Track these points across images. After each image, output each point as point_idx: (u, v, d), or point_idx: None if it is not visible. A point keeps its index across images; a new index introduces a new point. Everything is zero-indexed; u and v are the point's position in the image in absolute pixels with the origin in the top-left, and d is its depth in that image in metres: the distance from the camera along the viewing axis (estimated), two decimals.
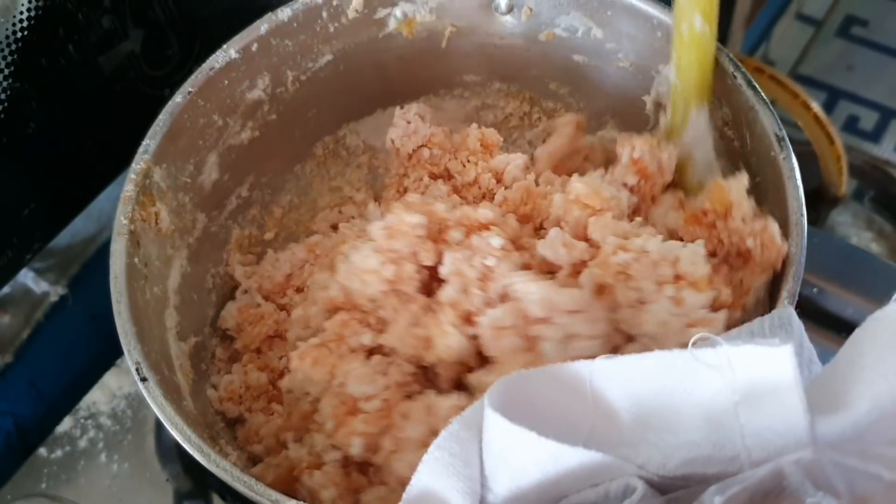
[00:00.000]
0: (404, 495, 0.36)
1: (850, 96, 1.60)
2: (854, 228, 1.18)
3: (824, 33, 1.68)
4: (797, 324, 0.38)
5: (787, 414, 0.35)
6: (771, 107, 0.50)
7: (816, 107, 1.06)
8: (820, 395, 0.35)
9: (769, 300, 0.47)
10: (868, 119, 1.57)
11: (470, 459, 0.37)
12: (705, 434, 0.35)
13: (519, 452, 0.35)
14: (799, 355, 0.37)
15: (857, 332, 0.36)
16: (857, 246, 1.00)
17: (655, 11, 0.54)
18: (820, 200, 1.13)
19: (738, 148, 0.53)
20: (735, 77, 0.51)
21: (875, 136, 1.56)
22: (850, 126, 1.57)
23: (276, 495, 0.42)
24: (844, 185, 1.10)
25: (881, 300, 0.64)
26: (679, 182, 0.53)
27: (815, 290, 0.66)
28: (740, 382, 0.35)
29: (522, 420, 0.35)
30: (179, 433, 0.45)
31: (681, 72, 0.50)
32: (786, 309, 0.38)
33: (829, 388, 0.36)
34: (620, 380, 0.36)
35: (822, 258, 0.67)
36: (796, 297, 0.45)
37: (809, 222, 0.95)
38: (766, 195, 0.50)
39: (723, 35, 1.32)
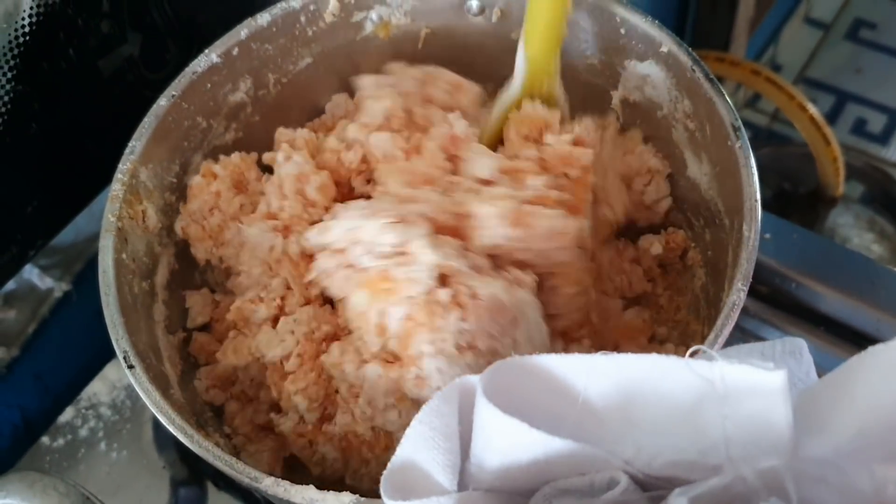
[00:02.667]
0: (388, 465, 0.37)
1: (858, 99, 1.60)
2: (856, 230, 1.18)
3: (832, 36, 1.68)
4: (807, 355, 0.39)
5: (772, 432, 0.35)
6: (728, 99, 0.51)
7: (812, 108, 1.07)
8: (806, 416, 0.36)
9: (726, 284, 0.49)
10: (876, 122, 1.57)
11: (450, 433, 0.37)
12: (691, 440, 0.36)
13: (509, 438, 0.36)
14: (804, 382, 0.38)
15: (852, 360, 0.36)
16: (834, 242, 1.00)
17: (618, 9, 0.56)
18: (817, 201, 1.14)
19: (699, 139, 0.55)
20: (694, 71, 0.53)
21: (883, 138, 1.55)
22: (859, 129, 1.56)
23: (254, 472, 0.44)
24: (841, 185, 1.11)
25: (859, 294, 0.66)
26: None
27: (793, 284, 0.67)
28: (731, 397, 0.35)
29: (511, 405, 0.36)
30: (164, 416, 0.46)
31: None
32: (797, 339, 0.39)
33: (816, 410, 0.36)
34: (614, 377, 0.37)
35: (801, 254, 0.68)
36: (749, 280, 0.46)
37: (807, 225, 0.95)
38: (725, 183, 0.52)
39: (725, 38, 1.32)
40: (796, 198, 1.16)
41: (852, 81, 1.63)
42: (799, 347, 0.38)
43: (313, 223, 0.55)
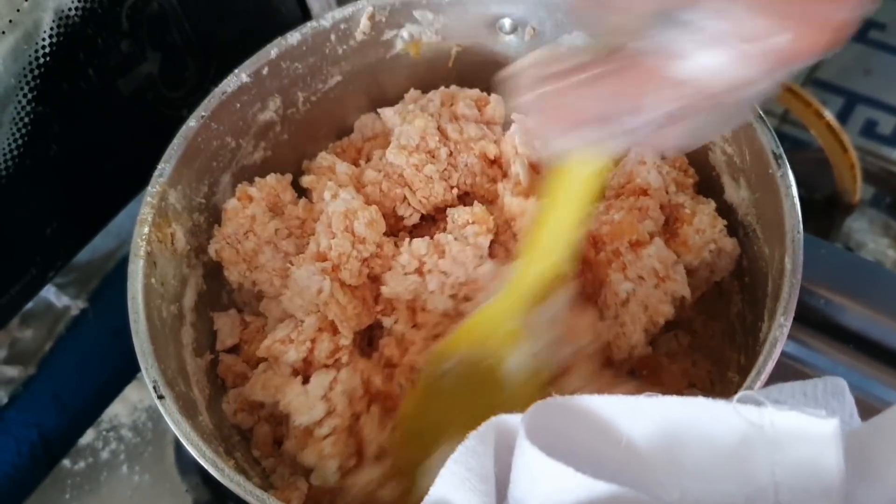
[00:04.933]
0: None
1: (868, 100, 1.59)
2: (871, 235, 1.17)
3: None
4: (849, 397, 0.38)
5: (822, 478, 0.35)
6: (768, 124, 0.50)
7: (829, 115, 1.06)
8: (858, 463, 0.35)
9: (765, 314, 0.48)
10: (886, 123, 1.56)
11: (486, 475, 0.37)
12: (739, 486, 0.35)
13: (553, 482, 0.35)
14: (847, 425, 0.37)
15: None
16: (864, 258, 0.99)
17: None
18: (834, 208, 1.13)
19: (738, 163, 0.54)
20: None
21: (894, 140, 1.54)
22: (868, 130, 1.55)
23: None
24: (858, 192, 1.09)
25: (889, 311, 0.65)
26: None
27: (822, 301, 0.66)
28: (781, 443, 0.35)
29: (553, 447, 0.35)
30: (195, 448, 0.46)
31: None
32: (838, 379, 0.38)
33: (868, 456, 0.36)
34: (658, 419, 0.36)
35: (829, 270, 0.67)
36: (793, 313, 0.45)
37: (823, 230, 0.94)
38: (765, 210, 0.51)
39: None
40: (812, 204, 1.15)
41: (862, 83, 1.62)
42: (841, 388, 0.38)
43: (364, 260, 0.55)
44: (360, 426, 0.52)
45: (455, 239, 0.54)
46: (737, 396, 0.35)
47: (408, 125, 0.57)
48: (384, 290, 0.54)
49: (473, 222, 0.55)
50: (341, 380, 0.52)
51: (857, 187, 1.09)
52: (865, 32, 1.67)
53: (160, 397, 0.47)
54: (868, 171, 1.19)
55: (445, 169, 0.58)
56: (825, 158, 1.11)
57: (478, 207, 0.56)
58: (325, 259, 0.54)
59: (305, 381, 0.52)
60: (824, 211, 1.14)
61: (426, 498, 0.37)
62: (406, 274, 0.54)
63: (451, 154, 0.58)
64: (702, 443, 0.35)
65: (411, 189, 0.57)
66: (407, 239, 0.56)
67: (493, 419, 0.38)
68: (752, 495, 0.35)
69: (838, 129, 1.06)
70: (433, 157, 0.57)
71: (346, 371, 0.52)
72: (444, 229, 0.56)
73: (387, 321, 0.55)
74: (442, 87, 0.61)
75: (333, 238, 0.53)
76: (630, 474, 0.36)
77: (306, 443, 0.51)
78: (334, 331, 0.54)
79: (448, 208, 0.58)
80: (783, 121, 1.55)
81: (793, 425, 0.34)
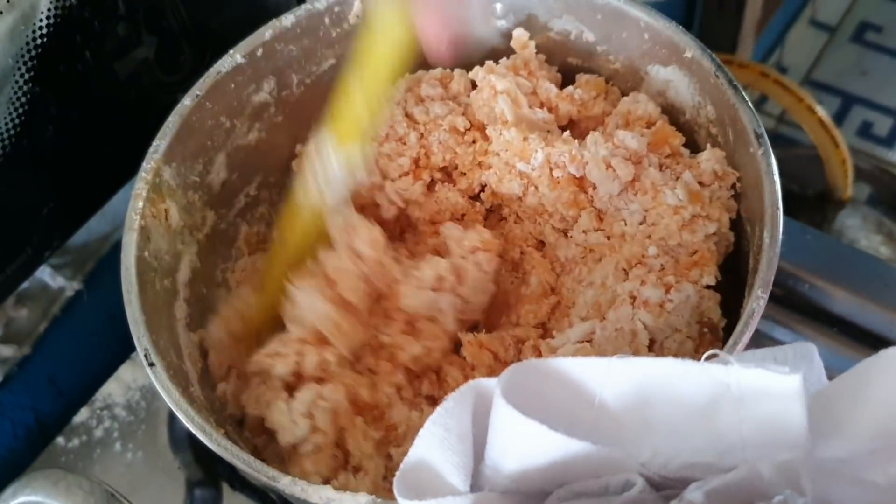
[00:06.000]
0: (402, 465, 0.38)
1: (864, 102, 1.60)
2: (864, 231, 1.18)
3: (838, 39, 1.68)
4: (818, 360, 0.39)
5: (788, 433, 0.36)
6: (751, 105, 0.51)
7: (821, 111, 1.07)
8: (821, 418, 0.36)
9: (745, 291, 0.49)
10: (882, 124, 1.57)
11: (464, 435, 0.38)
12: (708, 442, 0.36)
13: (528, 440, 0.36)
14: (815, 387, 0.38)
15: (866, 362, 0.37)
16: (848, 244, 1.01)
17: (642, 14, 0.56)
18: (826, 203, 1.14)
19: (721, 144, 0.55)
20: (717, 77, 0.53)
21: (889, 141, 1.55)
22: (864, 131, 1.57)
23: (272, 471, 0.44)
24: (850, 187, 1.11)
25: (872, 296, 0.66)
26: None
27: (806, 286, 0.67)
28: (747, 400, 0.36)
29: (529, 408, 0.36)
30: (183, 414, 0.46)
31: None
32: (807, 344, 0.39)
33: (831, 412, 0.37)
34: (630, 379, 0.37)
35: (814, 255, 0.68)
36: (770, 286, 0.46)
37: (815, 225, 0.95)
38: (746, 189, 0.52)
39: (733, 40, 1.33)
40: (804, 199, 1.16)
41: (858, 84, 1.63)
42: (810, 352, 0.39)
43: (365, 279, 0.55)
44: (345, 439, 0.52)
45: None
46: (705, 356, 0.36)
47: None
48: (404, 302, 0.55)
49: (482, 249, 0.56)
50: (326, 396, 0.52)
51: (849, 183, 1.10)
52: (862, 34, 1.68)
53: (151, 364, 0.47)
54: (863, 169, 1.20)
55: (419, 153, 0.59)
56: (818, 155, 1.12)
57: (486, 233, 0.57)
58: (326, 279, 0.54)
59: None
60: (816, 206, 1.15)
61: (405, 459, 0.38)
62: (420, 289, 0.55)
63: (421, 136, 0.59)
64: (672, 402, 0.36)
65: (388, 179, 0.58)
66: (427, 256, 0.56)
67: (472, 382, 0.39)
68: (721, 451, 0.36)
69: (830, 125, 1.07)
70: (404, 143, 0.59)
71: (330, 387, 0.52)
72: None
73: (385, 338, 0.55)
74: (407, 74, 0.62)
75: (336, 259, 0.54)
76: (603, 433, 0.37)
77: (291, 458, 0.52)
78: (322, 343, 0.54)
79: (445, 224, 0.58)
80: (780, 121, 1.56)
81: (758, 383, 0.36)
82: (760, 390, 0.36)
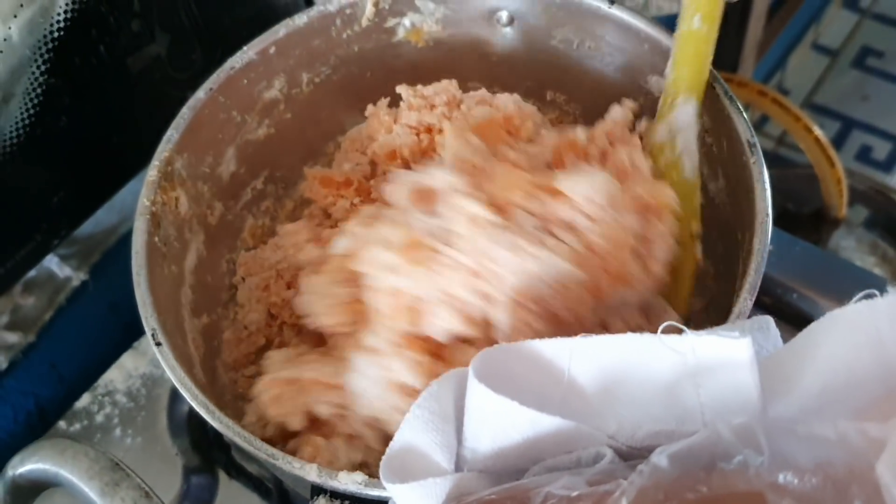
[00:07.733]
0: (388, 449, 0.39)
1: (864, 126, 1.60)
2: (858, 253, 1.19)
3: (840, 63, 1.69)
4: (774, 329, 0.41)
5: (742, 396, 0.37)
6: (745, 115, 0.52)
7: (818, 130, 1.08)
8: (773, 380, 0.38)
9: (732, 293, 0.50)
10: (881, 149, 1.58)
11: (447, 415, 0.39)
12: (669, 411, 0.38)
13: (501, 418, 0.38)
14: (770, 353, 0.40)
15: (813, 325, 0.38)
16: (837, 256, 1.02)
17: (642, 25, 0.57)
18: (820, 222, 1.15)
19: (716, 153, 0.56)
20: (713, 88, 0.54)
21: (888, 166, 1.56)
22: (864, 156, 1.57)
23: (270, 449, 0.45)
24: (845, 206, 1.12)
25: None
26: (653, 160, 0.55)
27: (794, 295, 0.68)
28: (702, 367, 0.38)
29: (502, 388, 0.37)
30: (188, 392, 0.47)
31: (676, 63, 0.54)
32: (765, 317, 0.41)
33: (782, 373, 0.38)
34: (594, 357, 0.39)
35: (803, 267, 0.69)
36: (756, 290, 0.47)
37: (811, 242, 0.97)
38: (738, 197, 0.53)
39: (734, 60, 1.34)
40: (799, 218, 1.17)
41: (858, 109, 1.64)
42: (766, 323, 0.41)
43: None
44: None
45: None
46: (661, 327, 0.38)
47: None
48: None
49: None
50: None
51: (843, 202, 1.11)
52: (863, 59, 1.69)
53: (158, 344, 0.49)
54: (859, 191, 1.21)
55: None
56: (814, 174, 1.13)
57: None
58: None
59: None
60: (812, 225, 1.16)
61: (391, 444, 0.39)
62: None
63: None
64: (635, 375, 0.38)
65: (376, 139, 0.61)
66: None
67: (453, 370, 0.40)
68: (681, 418, 0.38)
69: (826, 144, 1.08)
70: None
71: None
72: None
73: None
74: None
75: None
76: (572, 408, 0.38)
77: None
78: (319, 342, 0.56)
79: None
80: (780, 143, 1.57)
81: (712, 350, 0.38)
82: (714, 357, 0.37)
